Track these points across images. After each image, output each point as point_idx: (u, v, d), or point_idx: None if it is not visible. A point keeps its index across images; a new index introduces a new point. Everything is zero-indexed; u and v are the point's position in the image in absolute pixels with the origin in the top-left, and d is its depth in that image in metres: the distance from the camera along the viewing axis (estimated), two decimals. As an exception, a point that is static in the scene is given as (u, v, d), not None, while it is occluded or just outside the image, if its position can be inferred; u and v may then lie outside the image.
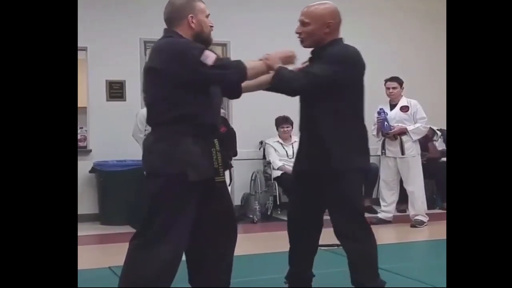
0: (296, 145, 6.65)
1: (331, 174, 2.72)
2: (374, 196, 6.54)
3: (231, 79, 2.52)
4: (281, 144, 6.52)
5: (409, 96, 5.91)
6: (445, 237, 4.94)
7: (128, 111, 6.09)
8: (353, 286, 2.84)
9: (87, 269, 3.76)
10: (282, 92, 2.75)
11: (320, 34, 2.78)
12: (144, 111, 5.77)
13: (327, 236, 2.97)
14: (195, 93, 2.46)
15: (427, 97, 6.56)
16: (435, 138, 6.84)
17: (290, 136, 6.50)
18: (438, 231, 5.54)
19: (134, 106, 6.12)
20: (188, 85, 2.42)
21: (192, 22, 2.54)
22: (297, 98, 2.92)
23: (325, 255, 4.37)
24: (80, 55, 5.93)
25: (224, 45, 6.54)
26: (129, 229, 5.48)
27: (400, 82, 5.85)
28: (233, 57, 3.84)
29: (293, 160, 6.34)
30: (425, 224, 5.73)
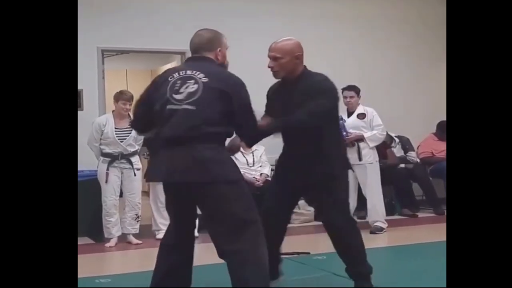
0: (256, 154, 6.72)
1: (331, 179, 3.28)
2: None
3: (251, 131, 2.95)
4: (242, 152, 6.51)
5: (369, 104, 5.97)
6: (404, 243, 4.99)
7: (84, 120, 5.98)
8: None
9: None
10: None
11: (292, 65, 3.24)
12: (100, 119, 5.71)
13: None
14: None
15: (386, 105, 6.67)
16: (393, 144, 6.94)
17: (250, 145, 6.49)
18: (398, 237, 5.61)
19: (91, 115, 6.01)
20: (238, 114, 2.85)
21: (219, 54, 2.92)
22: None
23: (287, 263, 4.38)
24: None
25: (182, 54, 6.50)
26: (87, 241, 5.37)
27: (357, 90, 5.91)
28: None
29: (253, 168, 6.49)
30: (384, 230, 5.79)
